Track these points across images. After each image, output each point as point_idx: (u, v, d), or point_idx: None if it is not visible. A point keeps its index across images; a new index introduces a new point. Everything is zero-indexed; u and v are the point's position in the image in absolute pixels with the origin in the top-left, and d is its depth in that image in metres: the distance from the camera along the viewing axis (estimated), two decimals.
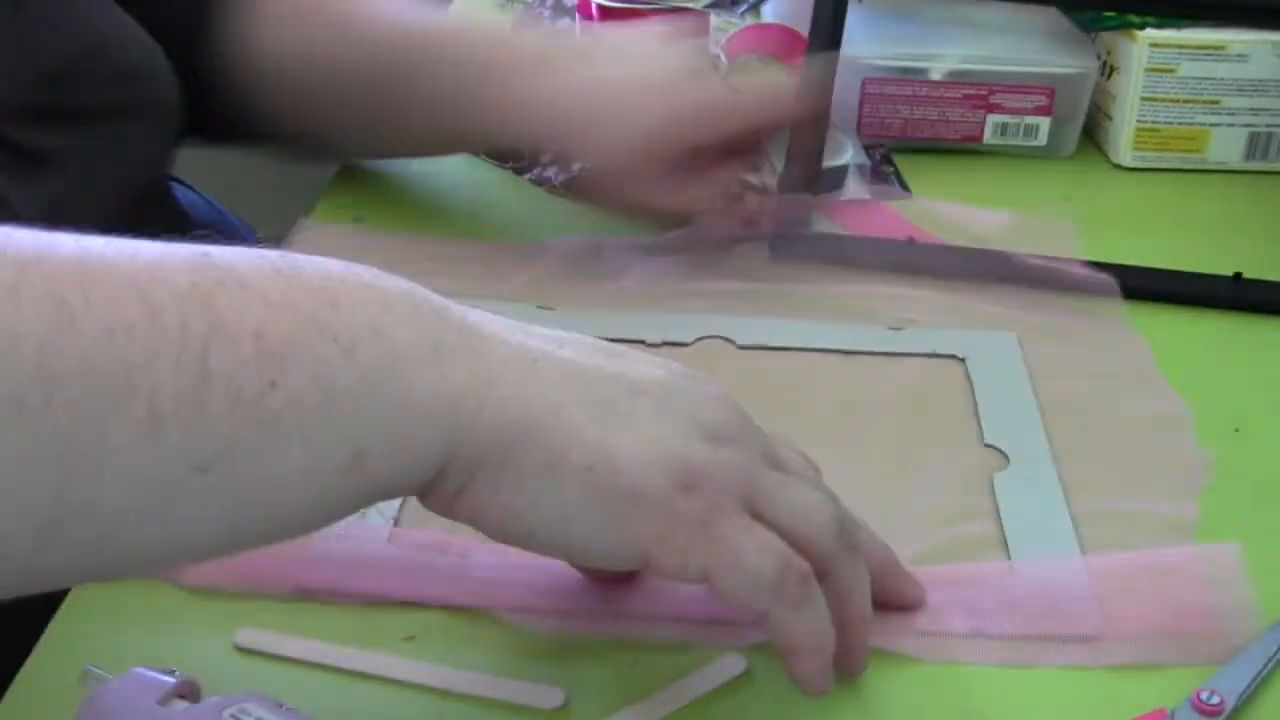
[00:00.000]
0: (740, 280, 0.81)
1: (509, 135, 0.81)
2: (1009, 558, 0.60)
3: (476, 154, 0.92)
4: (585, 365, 0.49)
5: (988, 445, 0.67)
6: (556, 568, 0.56)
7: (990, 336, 0.76)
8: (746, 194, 0.85)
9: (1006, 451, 0.67)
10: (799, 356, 0.74)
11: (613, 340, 0.52)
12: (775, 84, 0.79)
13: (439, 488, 0.46)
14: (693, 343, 0.75)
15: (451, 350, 0.45)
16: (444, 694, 0.53)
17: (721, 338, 0.75)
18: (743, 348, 0.75)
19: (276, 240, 0.83)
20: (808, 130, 0.84)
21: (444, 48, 0.79)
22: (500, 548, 0.50)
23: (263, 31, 0.81)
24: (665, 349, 0.74)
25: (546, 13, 1.04)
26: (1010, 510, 0.63)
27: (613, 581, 0.57)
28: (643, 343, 0.74)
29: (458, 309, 0.48)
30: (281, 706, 0.46)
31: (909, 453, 0.67)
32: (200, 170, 0.94)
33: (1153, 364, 0.75)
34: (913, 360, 0.74)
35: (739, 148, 0.80)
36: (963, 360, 0.74)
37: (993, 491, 0.64)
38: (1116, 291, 0.80)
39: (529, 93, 0.77)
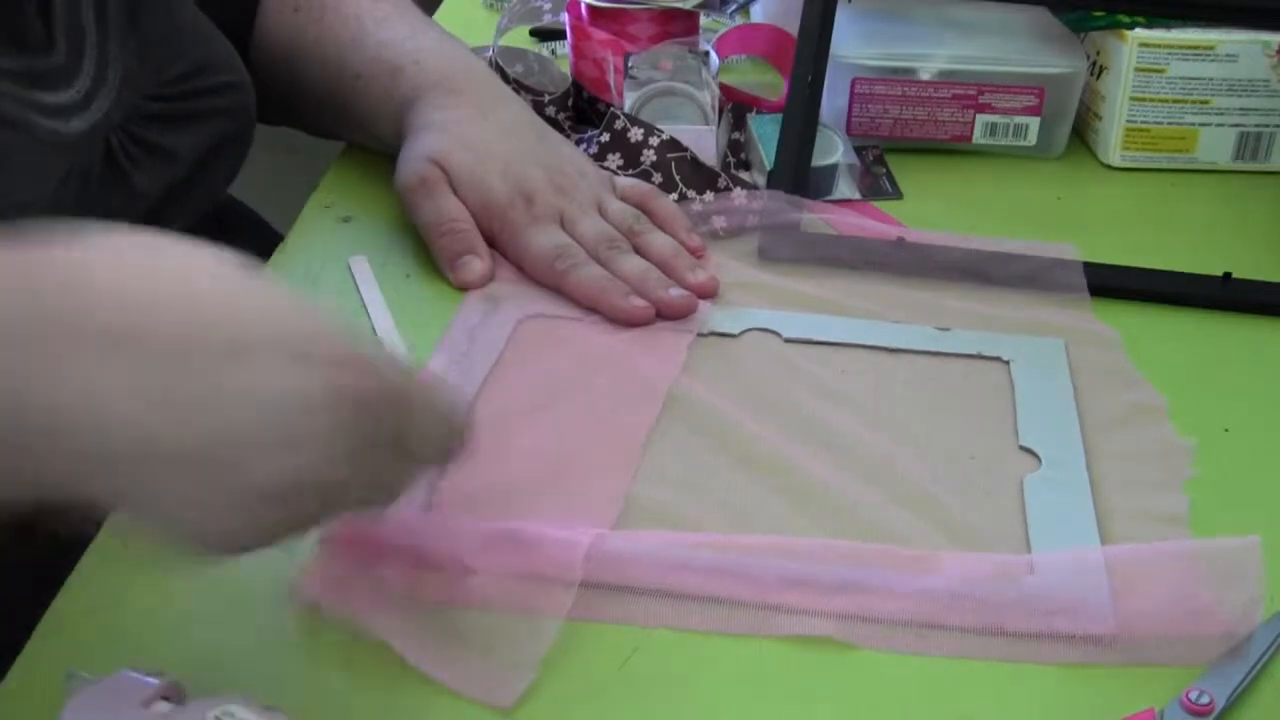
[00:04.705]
0: (728, 274, 0.81)
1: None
2: (1031, 561, 0.60)
3: None
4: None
5: (1022, 448, 0.68)
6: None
7: (1037, 341, 0.76)
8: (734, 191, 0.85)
9: (1040, 454, 0.67)
10: (844, 351, 0.75)
11: None
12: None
13: None
14: (740, 334, 0.76)
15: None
16: (428, 692, 0.53)
17: (768, 330, 0.76)
18: (789, 340, 0.75)
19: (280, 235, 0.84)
20: (797, 129, 0.84)
21: (376, 79, 0.87)
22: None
23: (275, 22, 0.91)
24: (713, 338, 0.75)
25: (547, 5, 1.04)
26: (1036, 513, 0.63)
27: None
28: (691, 331, 0.75)
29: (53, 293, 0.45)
30: (265, 708, 0.46)
31: (943, 450, 0.68)
32: None
33: (1125, 357, 0.75)
34: (957, 361, 0.75)
35: None
36: (1007, 363, 0.74)
37: (1022, 493, 0.64)
38: (1084, 289, 0.80)
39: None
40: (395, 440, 0.49)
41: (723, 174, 0.88)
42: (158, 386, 0.44)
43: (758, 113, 0.97)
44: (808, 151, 0.89)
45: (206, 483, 0.44)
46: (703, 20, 1.07)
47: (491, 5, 1.23)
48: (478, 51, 1.00)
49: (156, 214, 0.73)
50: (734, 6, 1.16)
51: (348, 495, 0.49)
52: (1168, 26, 0.96)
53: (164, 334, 0.44)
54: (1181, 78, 0.96)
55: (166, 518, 0.46)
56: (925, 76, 0.97)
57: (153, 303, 0.45)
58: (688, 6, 1.03)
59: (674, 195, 0.87)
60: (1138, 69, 0.96)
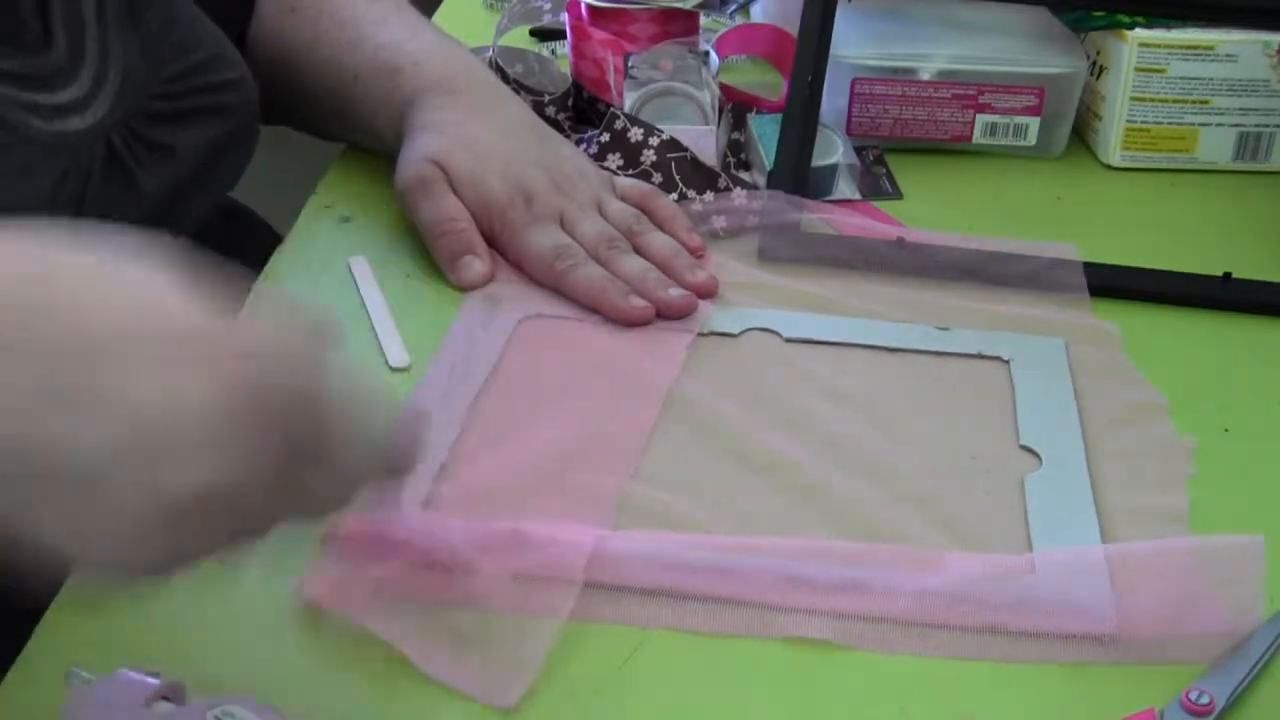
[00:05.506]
0: (728, 274, 0.81)
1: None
2: (1032, 560, 0.60)
3: None
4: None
5: (1022, 447, 0.68)
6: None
7: (1037, 341, 0.76)
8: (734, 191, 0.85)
9: (1040, 454, 0.67)
10: (844, 351, 0.75)
11: None
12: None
13: None
14: (740, 334, 0.76)
15: None
16: (428, 692, 0.53)
17: (768, 330, 0.76)
18: (789, 340, 0.75)
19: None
20: (797, 129, 0.84)
21: (375, 81, 0.87)
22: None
23: (272, 23, 0.90)
24: (713, 338, 0.75)
25: (547, 5, 1.04)
26: (1037, 512, 0.63)
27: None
28: (691, 331, 0.75)
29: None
30: (265, 708, 0.46)
31: (943, 450, 0.68)
32: None
33: (1125, 356, 0.75)
34: (958, 360, 0.75)
35: None
36: (1007, 363, 0.74)
37: (1022, 493, 0.64)
38: (1084, 289, 0.80)
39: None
40: (311, 449, 0.43)
41: (723, 174, 0.88)
42: (27, 392, 0.38)
43: (758, 113, 0.97)
44: (808, 151, 0.89)
45: (95, 502, 0.39)
46: (703, 20, 1.07)
47: (491, 5, 1.23)
48: (478, 51, 1.00)
49: (163, 213, 0.73)
50: (734, 6, 1.16)
51: (265, 510, 0.43)
52: (1168, 26, 0.96)
53: (35, 337, 0.39)
54: (1181, 78, 0.96)
55: (60, 543, 0.40)
56: (925, 76, 0.97)
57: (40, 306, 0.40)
58: (688, 6, 1.03)
59: (674, 195, 0.87)
60: (1138, 69, 0.96)
